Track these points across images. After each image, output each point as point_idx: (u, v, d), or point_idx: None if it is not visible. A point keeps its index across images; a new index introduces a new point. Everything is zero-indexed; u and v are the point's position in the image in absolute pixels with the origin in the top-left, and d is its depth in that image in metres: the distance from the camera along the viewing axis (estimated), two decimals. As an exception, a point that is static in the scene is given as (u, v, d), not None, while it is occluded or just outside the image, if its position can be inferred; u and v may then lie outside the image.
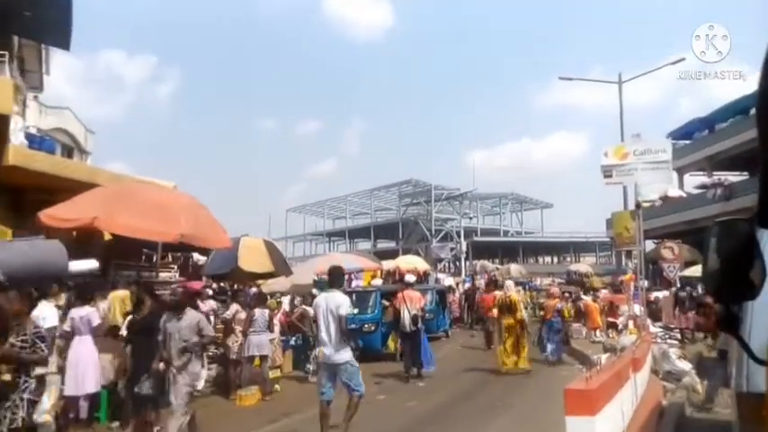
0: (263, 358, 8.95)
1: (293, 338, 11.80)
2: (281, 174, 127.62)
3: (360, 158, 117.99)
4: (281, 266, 10.97)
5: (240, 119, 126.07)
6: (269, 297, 10.54)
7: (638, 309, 12.40)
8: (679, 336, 14.50)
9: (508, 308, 11.13)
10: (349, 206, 69.50)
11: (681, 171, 31.63)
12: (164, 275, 14.29)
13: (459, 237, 47.61)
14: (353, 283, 18.77)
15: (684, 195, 29.20)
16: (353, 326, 12.67)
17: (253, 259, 10.29)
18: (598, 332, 14.62)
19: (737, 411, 2.90)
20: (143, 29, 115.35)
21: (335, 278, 6.52)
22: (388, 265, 24.57)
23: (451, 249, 37.14)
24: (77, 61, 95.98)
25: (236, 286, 11.73)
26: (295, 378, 10.89)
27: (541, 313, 13.62)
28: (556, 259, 67.23)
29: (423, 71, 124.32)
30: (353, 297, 13.65)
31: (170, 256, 17.00)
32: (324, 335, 6.02)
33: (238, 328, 9.01)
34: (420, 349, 10.58)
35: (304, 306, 10.77)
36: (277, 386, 9.52)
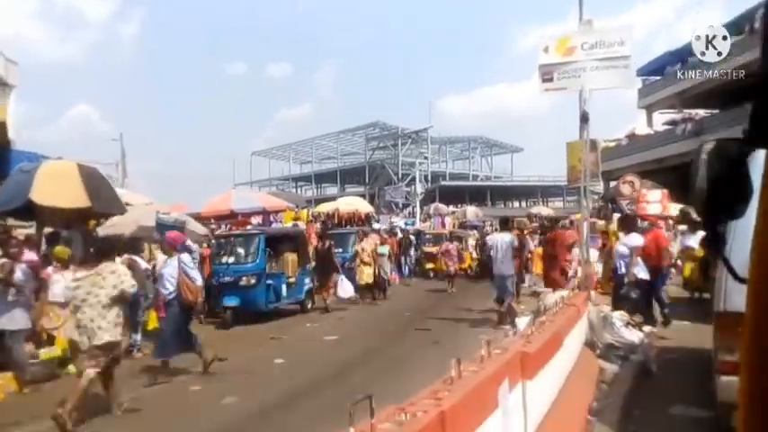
0: (17, 333, 6.17)
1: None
2: (250, 119, 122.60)
3: (331, 103, 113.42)
4: (106, 201, 7.89)
5: (209, 62, 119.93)
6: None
7: (593, 254, 10.18)
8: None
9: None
10: (316, 150, 66.51)
11: (650, 108, 29.50)
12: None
13: (421, 180, 45.01)
14: (273, 226, 16.17)
15: (652, 133, 27.09)
16: (228, 279, 10.03)
17: (54, 190, 7.24)
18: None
19: (717, 330, 3.66)
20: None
21: (503, 223, 10.75)
22: (327, 207, 22.57)
23: (407, 192, 34.37)
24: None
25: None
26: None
27: None
28: (525, 204, 65.46)
29: (401, 15, 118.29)
30: (231, 242, 10.93)
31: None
32: (498, 257, 9.26)
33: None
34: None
35: (132, 256, 7.80)
36: (71, 367, 6.72)
